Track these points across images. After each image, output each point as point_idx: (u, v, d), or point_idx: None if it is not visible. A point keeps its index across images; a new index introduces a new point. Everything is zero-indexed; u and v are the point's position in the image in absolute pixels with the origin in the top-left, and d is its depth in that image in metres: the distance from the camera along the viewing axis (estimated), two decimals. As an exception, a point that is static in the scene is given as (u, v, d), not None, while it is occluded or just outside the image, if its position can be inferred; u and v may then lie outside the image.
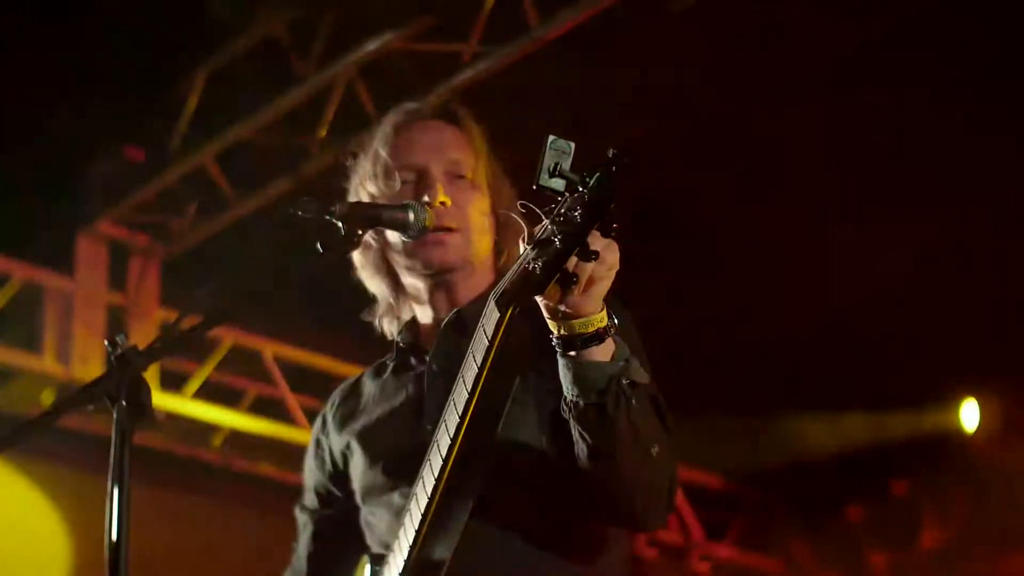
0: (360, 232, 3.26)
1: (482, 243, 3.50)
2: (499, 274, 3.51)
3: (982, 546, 11.28)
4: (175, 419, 9.24)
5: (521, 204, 2.86)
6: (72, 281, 8.85)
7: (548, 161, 2.74)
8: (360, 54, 7.76)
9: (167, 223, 9.01)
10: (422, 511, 3.17)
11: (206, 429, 9.63)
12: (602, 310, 2.89)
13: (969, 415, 11.02)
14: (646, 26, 7.50)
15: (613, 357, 2.95)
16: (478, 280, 3.51)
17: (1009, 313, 9.68)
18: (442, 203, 3.40)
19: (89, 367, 8.64)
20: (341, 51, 7.83)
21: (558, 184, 2.74)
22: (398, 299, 3.61)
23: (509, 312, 2.90)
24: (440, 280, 3.49)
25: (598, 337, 2.91)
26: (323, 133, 8.16)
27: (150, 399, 3.05)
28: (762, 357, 9.94)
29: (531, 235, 2.78)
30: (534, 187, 2.78)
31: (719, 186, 8.91)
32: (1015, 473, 11.00)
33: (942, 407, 11.03)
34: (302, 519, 3.79)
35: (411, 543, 3.21)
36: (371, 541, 3.53)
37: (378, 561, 3.44)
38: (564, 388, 3.00)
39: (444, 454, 3.08)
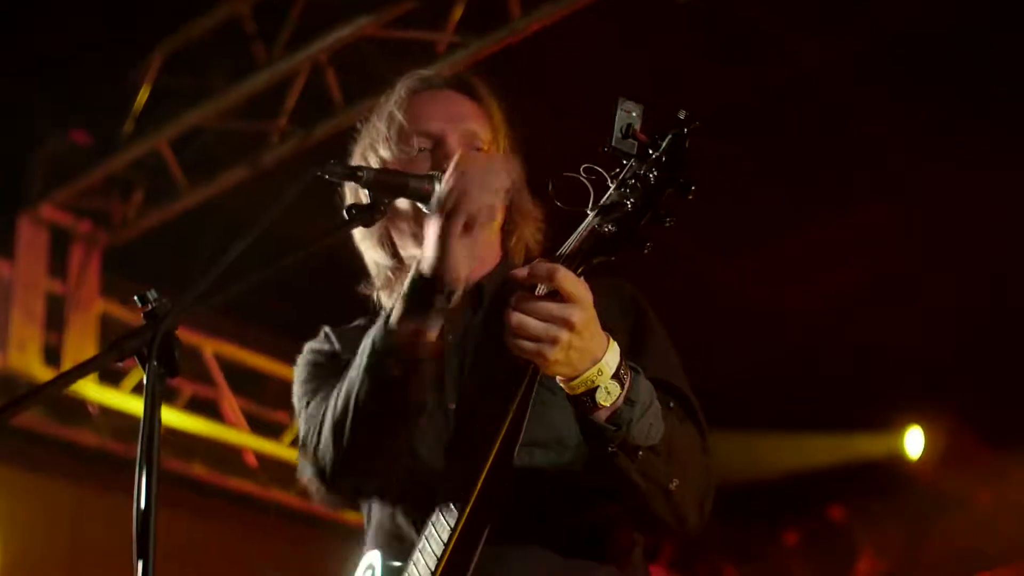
0: (387, 201, 3.10)
1: None
2: (506, 254, 3.37)
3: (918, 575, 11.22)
4: (109, 414, 8.88)
5: (586, 168, 2.79)
6: (11, 265, 8.50)
7: (620, 122, 2.76)
8: (331, 40, 7.46)
9: (112, 210, 8.67)
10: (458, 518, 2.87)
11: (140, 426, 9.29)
12: (589, 370, 2.77)
13: (914, 442, 10.94)
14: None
15: (613, 416, 2.81)
16: (483, 256, 3.29)
17: (958, 342, 9.64)
18: None
19: (26, 354, 8.32)
20: (310, 36, 7.54)
21: (630, 146, 2.74)
22: (397, 271, 3.38)
23: (579, 272, 2.77)
24: None
25: (586, 400, 2.80)
26: (284, 121, 7.88)
27: (181, 357, 2.85)
28: (702, 378, 9.79)
29: (595, 200, 2.76)
30: (605, 149, 2.76)
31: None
32: (953, 502, 10.97)
33: (887, 433, 10.95)
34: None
35: (453, 528, 2.89)
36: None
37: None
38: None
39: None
